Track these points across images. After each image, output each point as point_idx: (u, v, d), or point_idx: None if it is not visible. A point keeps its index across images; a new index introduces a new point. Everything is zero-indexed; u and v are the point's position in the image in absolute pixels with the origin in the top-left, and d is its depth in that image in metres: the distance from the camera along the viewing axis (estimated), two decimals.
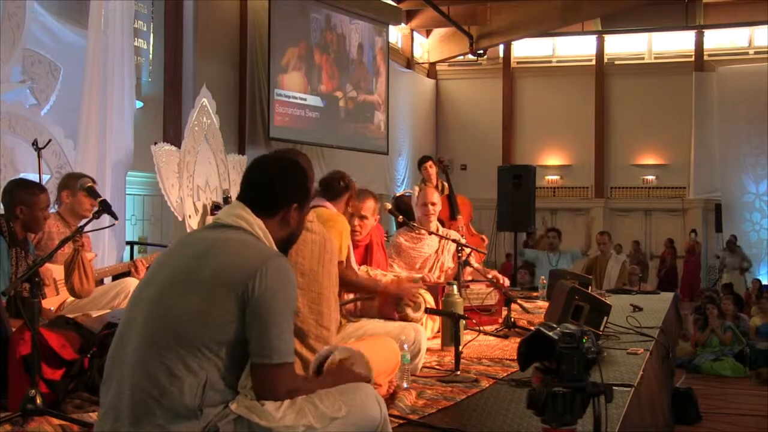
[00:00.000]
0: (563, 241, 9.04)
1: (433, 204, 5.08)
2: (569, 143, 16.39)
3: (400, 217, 4.95)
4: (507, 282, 5.15)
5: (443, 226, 6.60)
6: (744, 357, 8.81)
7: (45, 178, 5.22)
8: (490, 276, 4.91)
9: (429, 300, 3.94)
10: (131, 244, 7.21)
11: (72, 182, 4.24)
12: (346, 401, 1.98)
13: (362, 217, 4.18)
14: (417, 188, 7.22)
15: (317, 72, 11.77)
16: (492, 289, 4.80)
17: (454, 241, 4.98)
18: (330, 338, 2.72)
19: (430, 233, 5.10)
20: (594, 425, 1.79)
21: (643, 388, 3.22)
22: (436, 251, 5.17)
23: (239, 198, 2.16)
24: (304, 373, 2.42)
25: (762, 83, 14.39)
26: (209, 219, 6.01)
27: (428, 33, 16.77)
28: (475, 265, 5.01)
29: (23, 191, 3.75)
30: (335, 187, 3.50)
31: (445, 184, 7.14)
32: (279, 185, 2.16)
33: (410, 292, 3.46)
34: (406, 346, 3.08)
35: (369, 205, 4.22)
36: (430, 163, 7.14)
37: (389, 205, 4.86)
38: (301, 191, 2.21)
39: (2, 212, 3.85)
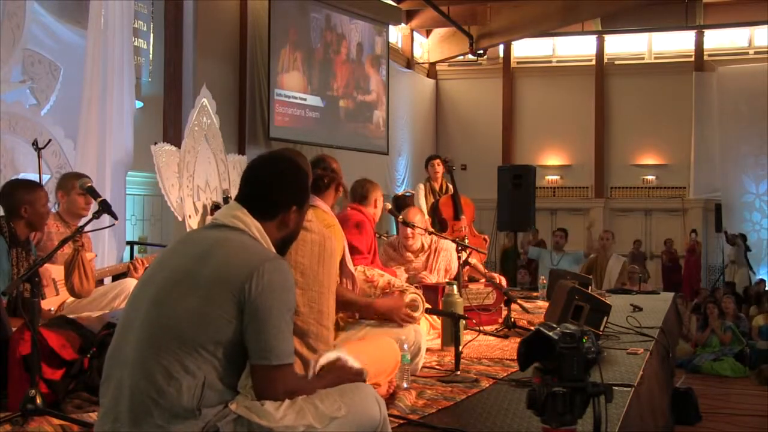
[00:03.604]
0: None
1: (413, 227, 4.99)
2: (569, 143, 16.38)
3: (400, 217, 4.94)
4: (503, 281, 5.15)
5: (446, 226, 6.62)
6: (744, 357, 8.81)
7: (45, 178, 5.22)
8: (485, 274, 4.92)
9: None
10: (131, 244, 7.21)
11: (65, 183, 4.25)
12: (346, 401, 1.98)
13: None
14: (421, 186, 7.23)
15: (317, 72, 11.77)
16: (491, 289, 4.80)
17: (453, 241, 4.97)
18: (330, 337, 2.72)
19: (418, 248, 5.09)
20: (594, 425, 1.79)
21: (643, 388, 3.22)
22: (427, 265, 5.14)
23: (237, 199, 2.16)
24: (304, 373, 2.41)
25: (762, 83, 14.37)
26: (209, 219, 6.01)
27: (428, 33, 16.76)
28: (473, 261, 5.02)
29: (24, 190, 3.76)
30: (320, 185, 3.49)
31: (449, 185, 7.15)
32: (278, 189, 2.15)
33: (402, 313, 3.43)
34: (406, 346, 3.08)
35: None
36: (438, 161, 7.15)
37: (389, 205, 4.85)
38: (300, 193, 2.21)
39: (1, 213, 3.86)
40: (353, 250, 4.29)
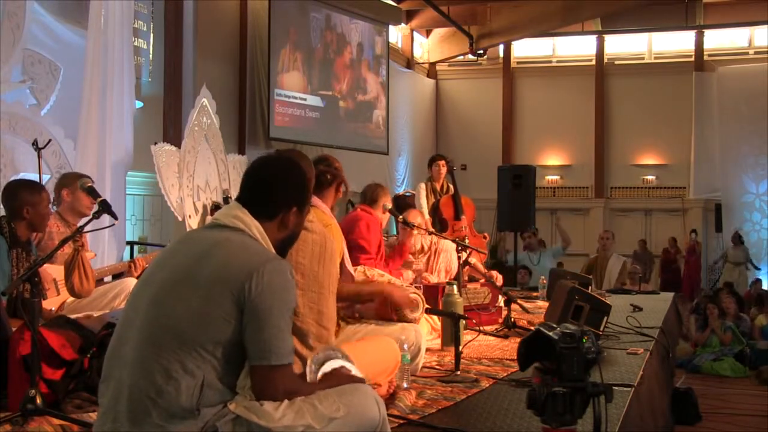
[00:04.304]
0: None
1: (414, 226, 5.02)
2: (569, 143, 16.38)
3: (400, 217, 4.95)
4: (500, 279, 5.15)
5: (447, 226, 6.63)
6: (744, 357, 8.80)
7: (45, 178, 5.22)
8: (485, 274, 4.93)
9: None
10: (131, 244, 7.21)
11: (71, 181, 4.25)
12: (345, 402, 1.98)
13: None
14: (422, 186, 7.24)
15: (317, 72, 11.77)
16: (490, 288, 4.81)
17: (454, 241, 4.97)
18: (330, 338, 2.72)
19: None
20: (594, 425, 1.79)
21: (643, 388, 3.22)
22: (428, 266, 5.15)
23: (238, 199, 2.15)
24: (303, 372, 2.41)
25: (762, 83, 14.38)
26: (209, 219, 6.00)
27: (428, 33, 16.77)
28: (473, 261, 5.03)
29: (27, 192, 3.76)
30: (322, 182, 3.49)
31: (450, 185, 7.16)
32: (278, 189, 2.15)
33: (408, 299, 3.44)
34: (406, 346, 3.08)
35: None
36: (443, 162, 7.17)
37: (389, 205, 4.86)
38: (301, 194, 2.20)
39: (1, 213, 3.86)
40: (361, 250, 4.33)
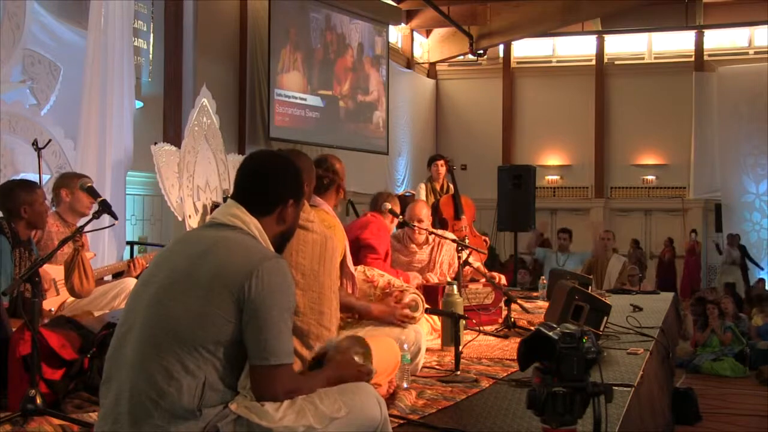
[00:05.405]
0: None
1: (420, 221, 5.06)
2: (569, 143, 16.38)
3: (401, 216, 4.95)
4: (504, 280, 5.15)
5: (447, 226, 6.64)
6: (744, 357, 8.80)
7: (45, 178, 5.22)
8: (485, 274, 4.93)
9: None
10: (131, 244, 7.21)
11: (69, 181, 4.25)
12: (346, 401, 1.98)
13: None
14: (422, 186, 7.25)
15: (317, 72, 11.77)
16: (491, 288, 4.81)
17: (453, 240, 4.98)
18: (331, 338, 2.72)
19: (422, 243, 5.14)
20: (594, 425, 1.79)
21: (643, 388, 3.22)
22: (431, 257, 5.17)
23: (233, 197, 2.15)
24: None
25: (762, 83, 14.37)
26: (209, 219, 6.00)
27: (428, 33, 16.76)
28: (475, 264, 5.03)
29: (22, 191, 3.77)
30: (322, 183, 3.50)
31: (450, 185, 7.16)
32: (273, 183, 2.15)
33: (398, 315, 3.44)
34: (406, 346, 3.08)
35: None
36: (441, 162, 7.18)
37: (389, 205, 4.86)
38: (296, 187, 2.20)
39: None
40: (371, 249, 4.39)
